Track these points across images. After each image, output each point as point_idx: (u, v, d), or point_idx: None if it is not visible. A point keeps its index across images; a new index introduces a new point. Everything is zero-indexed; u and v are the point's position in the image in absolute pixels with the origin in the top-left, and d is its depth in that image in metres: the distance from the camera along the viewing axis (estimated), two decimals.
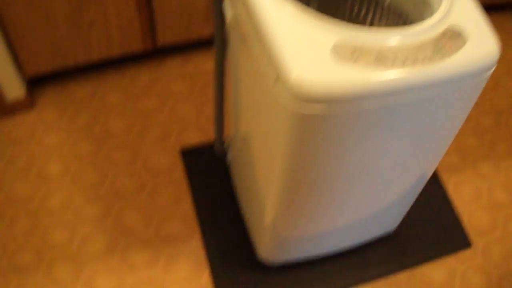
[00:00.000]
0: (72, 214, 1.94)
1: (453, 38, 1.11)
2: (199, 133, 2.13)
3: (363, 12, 1.42)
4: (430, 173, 1.56)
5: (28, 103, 2.11)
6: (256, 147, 1.45)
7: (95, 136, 2.09)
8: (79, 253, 1.87)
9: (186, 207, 1.97)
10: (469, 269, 1.93)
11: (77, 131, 2.09)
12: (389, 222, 1.81)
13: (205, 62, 2.30)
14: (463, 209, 2.05)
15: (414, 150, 1.32)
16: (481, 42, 1.12)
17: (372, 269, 1.90)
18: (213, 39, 1.46)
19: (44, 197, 1.96)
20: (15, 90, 2.04)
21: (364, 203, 1.55)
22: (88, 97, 2.18)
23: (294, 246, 1.72)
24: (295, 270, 1.88)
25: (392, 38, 1.10)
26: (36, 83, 2.18)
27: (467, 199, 2.07)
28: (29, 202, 1.95)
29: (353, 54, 1.06)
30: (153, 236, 1.91)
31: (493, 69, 1.15)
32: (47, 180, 1.99)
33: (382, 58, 1.06)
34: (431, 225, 1.99)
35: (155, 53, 2.28)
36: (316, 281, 1.87)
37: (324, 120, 1.10)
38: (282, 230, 1.58)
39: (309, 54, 1.05)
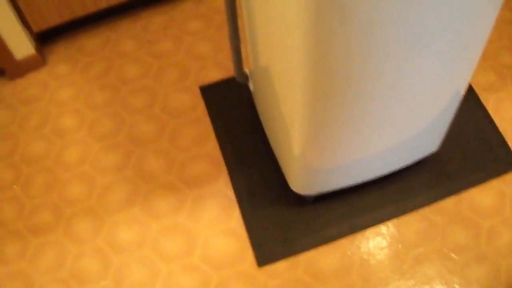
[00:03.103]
0: (90, 166, 1.78)
1: None
2: (218, 70, 1.94)
3: None
4: (463, 87, 1.36)
5: (39, 61, 1.99)
6: (277, 71, 1.26)
7: (109, 84, 1.94)
8: (99, 206, 1.71)
9: (209, 146, 1.78)
10: None
11: (91, 82, 1.95)
12: (428, 143, 1.58)
13: (218, 0, 2.12)
14: (506, 129, 1.80)
15: (445, 58, 1.16)
16: None
17: (415, 197, 1.67)
18: None
19: (60, 152, 1.82)
20: (24, 48, 1.92)
21: (398, 125, 1.35)
22: (99, 48, 2.03)
23: (327, 176, 1.51)
24: (331, 202, 1.66)
25: None
26: (46, 39, 2.06)
27: (509, 118, 1.82)
28: (45, 159, 1.81)
29: None
30: (176, 181, 1.73)
31: None
32: (62, 135, 1.85)
33: None
34: (475, 146, 1.75)
35: None
36: (355, 214, 1.64)
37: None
38: (313, 161, 1.39)
39: None
